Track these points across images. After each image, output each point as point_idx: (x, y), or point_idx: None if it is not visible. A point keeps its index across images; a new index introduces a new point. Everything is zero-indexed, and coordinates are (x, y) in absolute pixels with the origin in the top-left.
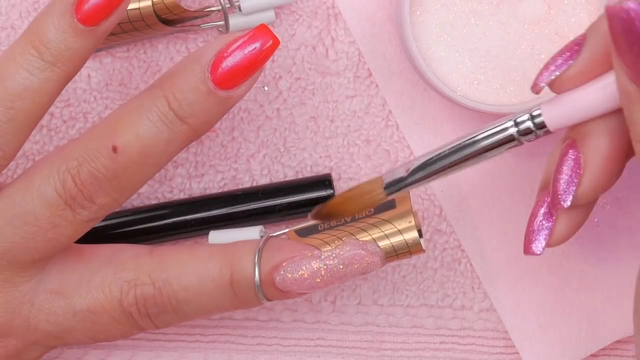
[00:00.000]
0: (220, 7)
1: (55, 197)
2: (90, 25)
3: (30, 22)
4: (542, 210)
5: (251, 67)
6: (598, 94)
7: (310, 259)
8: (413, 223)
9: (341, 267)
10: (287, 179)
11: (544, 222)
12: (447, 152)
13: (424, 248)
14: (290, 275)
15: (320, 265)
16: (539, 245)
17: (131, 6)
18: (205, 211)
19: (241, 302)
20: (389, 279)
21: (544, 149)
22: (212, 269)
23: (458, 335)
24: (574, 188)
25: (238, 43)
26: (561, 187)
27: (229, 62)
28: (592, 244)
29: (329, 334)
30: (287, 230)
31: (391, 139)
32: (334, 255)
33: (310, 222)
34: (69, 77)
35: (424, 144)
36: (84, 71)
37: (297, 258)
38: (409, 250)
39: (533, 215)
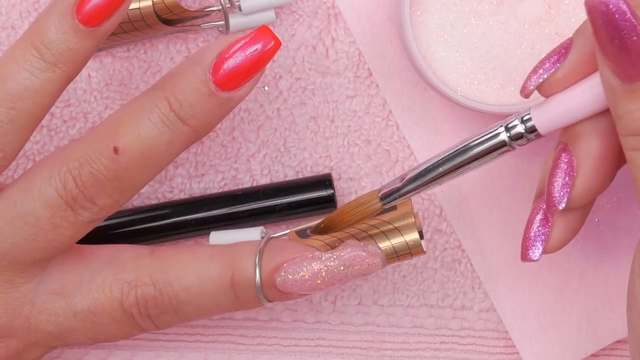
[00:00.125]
0: (220, 7)
1: (56, 198)
2: (92, 26)
3: (30, 22)
4: (538, 217)
5: (252, 68)
6: (586, 94)
7: (311, 260)
8: (414, 224)
9: (342, 268)
10: (287, 179)
11: (540, 229)
12: (440, 161)
13: (424, 249)
14: (291, 277)
15: (321, 266)
16: (536, 251)
17: (131, 6)
18: (205, 211)
19: (242, 303)
20: (389, 279)
21: (544, 149)
22: (213, 270)
23: (458, 335)
24: (568, 190)
25: (239, 44)
26: (555, 190)
27: (230, 64)
28: (592, 244)
29: (330, 334)
30: (287, 231)
31: (391, 139)
32: (334, 256)
33: (311, 223)
34: (70, 78)
35: (424, 144)
36: (84, 71)
37: (298, 259)
38: (410, 251)
39: (529, 222)
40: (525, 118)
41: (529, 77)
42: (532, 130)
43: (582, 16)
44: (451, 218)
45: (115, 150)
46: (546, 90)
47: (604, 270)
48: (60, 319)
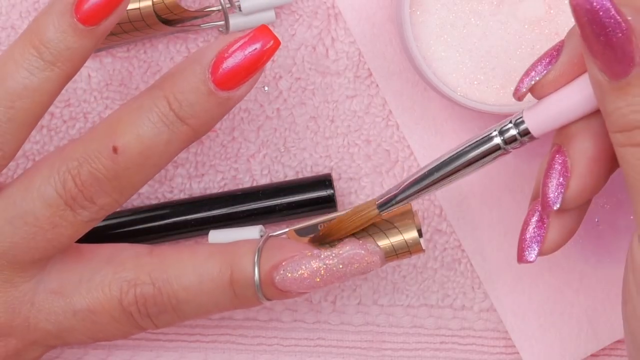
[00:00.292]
0: (220, 7)
1: (55, 197)
2: (90, 25)
3: (30, 21)
4: (534, 219)
5: (252, 67)
6: (577, 95)
7: (310, 258)
8: (413, 223)
9: (341, 266)
10: (287, 179)
11: (536, 230)
12: (435, 167)
13: (423, 248)
14: (290, 275)
15: (320, 264)
16: (532, 253)
17: (131, 6)
18: (205, 211)
19: (241, 302)
20: (389, 279)
21: (544, 148)
22: (212, 269)
23: (458, 335)
24: (563, 190)
25: (239, 44)
26: (550, 191)
27: (229, 63)
28: (592, 244)
29: (329, 334)
30: (287, 229)
31: (391, 139)
32: (333, 254)
33: (310, 222)
34: (68, 77)
35: (424, 144)
36: (84, 71)
37: (297, 257)
38: (409, 250)
39: (525, 224)
40: (518, 121)
41: (521, 80)
42: (526, 133)
43: None
44: (451, 218)
45: (115, 149)
46: (538, 92)
47: (604, 270)
48: (59, 318)
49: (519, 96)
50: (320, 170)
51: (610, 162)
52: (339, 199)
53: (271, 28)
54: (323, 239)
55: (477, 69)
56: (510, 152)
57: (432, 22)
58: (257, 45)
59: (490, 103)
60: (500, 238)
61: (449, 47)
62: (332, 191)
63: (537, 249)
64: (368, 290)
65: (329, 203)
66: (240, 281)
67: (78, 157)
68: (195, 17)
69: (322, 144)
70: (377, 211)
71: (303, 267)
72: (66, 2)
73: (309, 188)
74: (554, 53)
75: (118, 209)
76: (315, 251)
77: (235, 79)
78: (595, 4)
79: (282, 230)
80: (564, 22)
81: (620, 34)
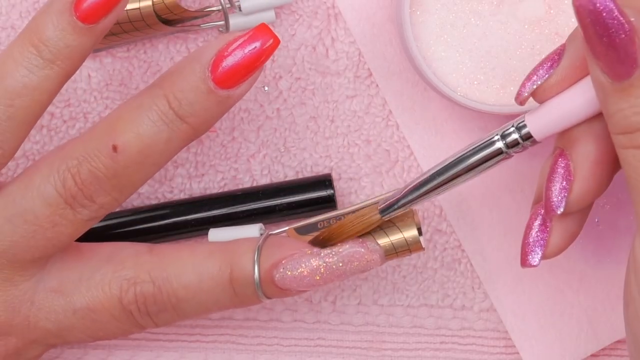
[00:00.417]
0: (220, 7)
1: (55, 196)
2: (89, 23)
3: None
4: (536, 223)
5: (251, 66)
6: (579, 98)
7: (309, 256)
8: (413, 221)
9: (341, 264)
10: (287, 179)
11: (539, 234)
12: (438, 172)
13: (423, 246)
14: (289, 273)
15: (320, 262)
16: (535, 257)
17: (131, 6)
18: (205, 211)
19: (241, 300)
20: (389, 279)
21: (544, 149)
22: (212, 267)
23: (458, 335)
24: (566, 194)
25: (238, 42)
26: (553, 195)
27: (229, 62)
28: (592, 244)
29: (329, 334)
30: (286, 228)
31: (391, 139)
32: (333, 252)
33: (310, 220)
34: (68, 75)
35: (424, 144)
36: (84, 71)
37: (297, 255)
38: (409, 248)
39: (528, 228)
40: (519, 125)
41: (523, 84)
42: (528, 136)
43: None
44: (451, 218)
45: (114, 148)
46: (540, 96)
47: (604, 270)
48: (59, 317)
49: (520, 100)
50: (320, 170)
51: (612, 165)
52: (339, 199)
53: (271, 28)
54: (323, 243)
55: (477, 69)
56: (513, 156)
57: (432, 22)
58: (257, 44)
59: (490, 103)
60: (500, 238)
61: (449, 47)
62: (332, 191)
63: (540, 253)
64: (368, 290)
65: (329, 203)
66: (240, 279)
67: (78, 156)
68: (195, 17)
69: (322, 144)
70: (379, 216)
71: (303, 265)
72: (65, 1)
73: (309, 188)
74: (555, 57)
75: (118, 209)
76: (315, 249)
77: (234, 78)
78: (598, 4)
79: (282, 228)
80: (564, 22)
81: (624, 35)
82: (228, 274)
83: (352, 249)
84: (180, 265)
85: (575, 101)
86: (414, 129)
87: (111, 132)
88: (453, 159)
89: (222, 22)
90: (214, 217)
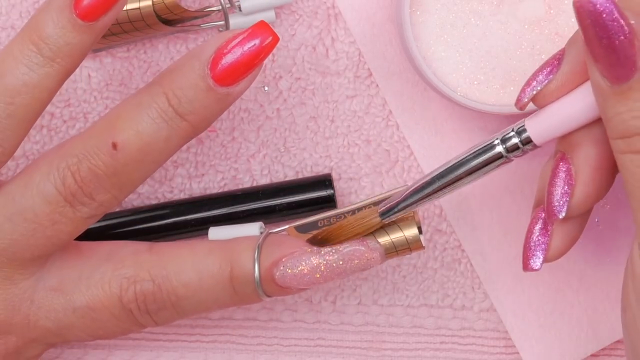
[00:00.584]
0: (220, 7)
1: (55, 194)
2: (89, 20)
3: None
4: (537, 226)
5: (250, 63)
6: (579, 103)
7: (309, 254)
8: (413, 220)
9: (341, 262)
10: (287, 179)
11: (540, 238)
12: (437, 175)
13: (423, 245)
14: (289, 271)
15: (320, 260)
16: (537, 261)
17: (131, 6)
18: (205, 211)
19: (241, 299)
20: (389, 279)
21: (544, 149)
22: (212, 265)
23: (458, 335)
24: (568, 199)
25: (237, 40)
26: (555, 199)
27: (228, 59)
28: (592, 244)
29: (329, 334)
30: (287, 226)
31: (391, 139)
32: (333, 250)
33: (311, 219)
34: (68, 73)
35: (424, 144)
36: (84, 71)
37: (297, 254)
38: (409, 246)
39: (529, 232)
40: (519, 129)
41: (522, 90)
42: (528, 141)
43: None
44: (451, 218)
45: (114, 145)
46: (540, 101)
47: (604, 270)
48: (59, 315)
49: (520, 106)
50: (320, 170)
51: (614, 169)
52: (339, 199)
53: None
54: (322, 243)
55: (477, 69)
56: (512, 160)
57: (432, 22)
58: (256, 41)
59: (490, 103)
60: (500, 238)
61: (449, 47)
62: (332, 191)
63: (542, 256)
64: (368, 290)
65: (329, 203)
66: (240, 277)
67: (77, 154)
68: (195, 17)
69: (322, 144)
70: (379, 219)
71: (303, 263)
72: None
73: (309, 188)
74: (555, 62)
75: (118, 209)
76: (315, 247)
77: (234, 75)
78: (599, 5)
79: (282, 227)
80: (564, 22)
81: (623, 37)
82: (228, 272)
83: (352, 247)
84: (180, 263)
85: (576, 106)
86: (414, 129)
87: (111, 130)
88: (453, 162)
89: (222, 22)
90: (214, 217)
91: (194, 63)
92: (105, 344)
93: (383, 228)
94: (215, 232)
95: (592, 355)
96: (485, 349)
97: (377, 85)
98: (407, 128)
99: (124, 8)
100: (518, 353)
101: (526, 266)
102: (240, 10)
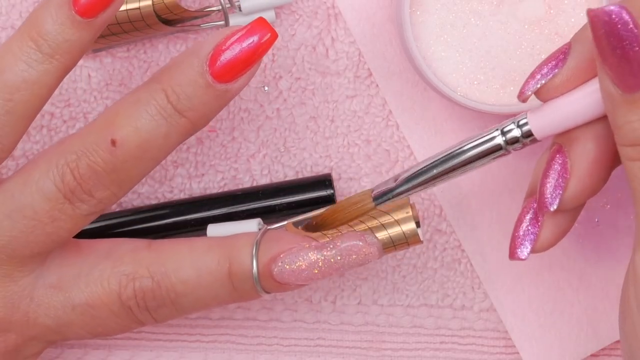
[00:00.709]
0: (220, 7)
1: (54, 191)
2: (88, 17)
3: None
4: (528, 216)
5: (249, 60)
6: (583, 101)
7: (307, 250)
8: (411, 214)
9: (339, 258)
10: (287, 179)
11: (529, 228)
12: (434, 163)
13: (421, 239)
14: (287, 267)
15: (318, 256)
16: (524, 250)
17: (131, 6)
18: (205, 211)
19: (240, 295)
20: (389, 279)
21: (544, 148)
22: (210, 262)
23: (458, 335)
24: (561, 192)
25: (236, 36)
26: (548, 191)
27: (227, 55)
28: (592, 244)
29: (329, 334)
30: (285, 222)
31: (391, 139)
32: (331, 246)
33: (309, 215)
34: (67, 70)
35: (424, 144)
36: (84, 71)
37: (295, 249)
38: (407, 241)
39: (519, 221)
40: (521, 122)
41: (526, 82)
42: (528, 134)
43: (582, 16)
44: (451, 218)
45: (113, 142)
46: (544, 95)
47: (604, 270)
48: (58, 313)
49: (523, 98)
50: (320, 170)
51: (610, 165)
52: (339, 199)
53: None
54: (317, 228)
55: (477, 69)
56: (510, 152)
57: (432, 22)
58: (255, 38)
59: (490, 103)
60: (500, 238)
61: (449, 47)
62: (332, 191)
63: (529, 247)
64: (368, 290)
65: (329, 203)
66: (238, 274)
67: (76, 151)
68: (195, 17)
69: (322, 144)
70: (372, 204)
71: (301, 258)
72: None
73: (308, 188)
74: (561, 56)
75: (118, 209)
76: (313, 243)
77: (232, 72)
78: (614, 16)
79: (280, 223)
80: (564, 22)
81: (637, 48)
82: (227, 268)
83: (350, 243)
84: (179, 260)
85: (580, 103)
86: (414, 129)
87: (110, 127)
88: (450, 151)
89: (222, 22)
90: (214, 217)
91: (193, 60)
92: (105, 343)
93: (381, 223)
94: (214, 229)
95: (592, 355)
96: (485, 349)
97: (377, 85)
98: (407, 128)
99: (124, 8)
100: (518, 353)
101: (513, 255)
102: (240, 10)
